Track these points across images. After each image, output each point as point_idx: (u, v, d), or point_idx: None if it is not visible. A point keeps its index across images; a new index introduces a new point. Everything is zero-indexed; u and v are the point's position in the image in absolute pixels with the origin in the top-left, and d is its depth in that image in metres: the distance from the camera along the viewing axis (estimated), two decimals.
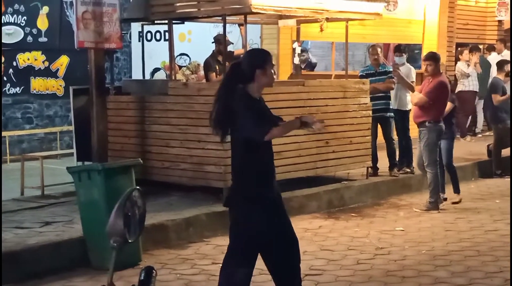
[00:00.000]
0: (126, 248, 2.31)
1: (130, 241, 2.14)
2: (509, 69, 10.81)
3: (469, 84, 12.41)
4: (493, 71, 13.16)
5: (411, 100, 8.21)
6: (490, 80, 13.17)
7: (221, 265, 4.23)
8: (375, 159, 8.85)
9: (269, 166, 4.14)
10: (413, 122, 8.13)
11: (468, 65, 12.56)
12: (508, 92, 10.22)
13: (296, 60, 9.57)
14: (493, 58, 13.43)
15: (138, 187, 2.29)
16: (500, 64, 10.76)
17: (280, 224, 4.12)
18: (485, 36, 14.27)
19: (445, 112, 7.99)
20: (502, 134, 10.09)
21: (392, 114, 9.02)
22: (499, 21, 14.34)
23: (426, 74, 7.94)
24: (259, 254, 4.12)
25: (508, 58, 12.19)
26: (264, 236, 4.05)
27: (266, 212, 4.03)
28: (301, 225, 6.91)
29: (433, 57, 7.81)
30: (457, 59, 12.85)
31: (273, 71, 4.19)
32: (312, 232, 6.85)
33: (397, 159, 9.08)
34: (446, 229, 7.05)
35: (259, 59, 4.10)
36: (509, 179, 9.93)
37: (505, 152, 10.37)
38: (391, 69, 9.02)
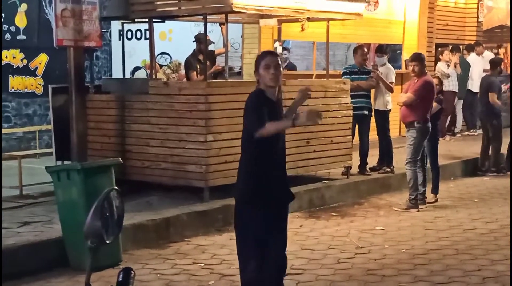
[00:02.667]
0: (106, 249, 2.29)
1: (107, 242, 2.12)
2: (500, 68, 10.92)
3: (449, 85, 12.50)
4: (473, 72, 13.26)
5: (399, 100, 8.23)
6: (469, 80, 13.33)
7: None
8: None
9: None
10: (402, 122, 8.19)
11: (448, 66, 12.65)
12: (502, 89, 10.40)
13: None
14: (472, 59, 13.54)
15: (116, 187, 2.27)
16: (494, 63, 10.81)
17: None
18: (464, 37, 14.39)
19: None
20: (498, 129, 10.18)
21: (371, 112, 9.09)
22: (478, 22, 14.47)
23: (412, 74, 8.04)
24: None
25: (489, 59, 12.28)
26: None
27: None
28: None
29: (418, 58, 7.97)
30: (437, 60, 12.94)
31: (270, 70, 4.00)
32: (293, 232, 6.84)
33: (369, 158, 9.12)
34: (426, 228, 7.09)
35: (255, 65, 4.12)
36: (488, 178, 10.06)
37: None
38: (371, 69, 9.10)
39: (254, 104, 4.01)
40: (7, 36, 11.59)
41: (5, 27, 11.54)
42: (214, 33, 10.59)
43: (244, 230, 4.03)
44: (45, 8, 11.71)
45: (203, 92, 7.28)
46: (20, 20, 11.73)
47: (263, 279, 4.07)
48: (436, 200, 8.31)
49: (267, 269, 4.08)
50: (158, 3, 7.76)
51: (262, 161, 4.03)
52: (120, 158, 6.25)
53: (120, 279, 2.14)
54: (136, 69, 11.78)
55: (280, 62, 4.05)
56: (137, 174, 7.74)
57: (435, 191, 8.38)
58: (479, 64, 13.37)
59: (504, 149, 10.47)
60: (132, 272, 2.16)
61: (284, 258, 4.17)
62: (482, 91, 10.44)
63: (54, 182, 5.71)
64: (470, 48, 13.77)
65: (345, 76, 9.01)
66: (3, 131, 11.21)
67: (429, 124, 7.86)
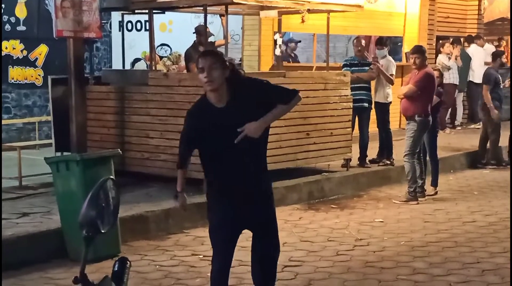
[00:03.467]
0: (105, 240, 2.28)
1: (103, 231, 2.12)
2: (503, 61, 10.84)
3: (450, 77, 12.48)
4: (474, 63, 13.22)
5: (400, 91, 8.22)
6: (470, 71, 13.31)
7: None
8: None
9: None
10: (403, 115, 8.17)
11: (449, 58, 12.62)
12: (503, 83, 10.32)
13: (278, 51, 9.56)
14: (472, 51, 13.51)
15: (112, 177, 2.26)
16: (495, 55, 10.80)
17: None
18: (465, 29, 14.35)
19: None
20: (495, 121, 10.17)
21: (371, 105, 9.08)
22: (479, 14, 14.43)
23: (413, 67, 8.03)
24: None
25: (490, 52, 12.23)
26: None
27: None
28: (281, 216, 6.86)
29: (419, 50, 7.98)
30: (437, 52, 12.91)
31: (203, 74, 3.58)
32: (292, 224, 6.85)
33: (368, 150, 9.09)
34: (425, 220, 7.09)
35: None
36: (487, 171, 10.05)
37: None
38: (371, 61, 9.10)
39: (185, 129, 3.77)
40: (7, 27, 11.58)
41: (5, 17, 11.52)
42: (214, 24, 10.57)
43: (214, 225, 3.86)
44: None
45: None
46: (20, 11, 11.72)
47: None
48: (436, 193, 8.30)
49: (252, 269, 3.98)
50: None
51: (211, 171, 3.82)
52: (119, 150, 6.24)
53: (116, 269, 2.14)
54: (136, 60, 11.76)
55: (217, 61, 3.60)
56: (136, 165, 7.74)
57: (434, 183, 8.38)
58: (479, 55, 13.32)
59: (503, 142, 10.46)
60: (127, 262, 2.16)
61: (270, 258, 3.96)
62: (482, 82, 10.45)
63: (53, 173, 5.71)
64: (470, 40, 13.72)
65: (345, 68, 9.00)
66: (3, 122, 11.21)
67: (430, 118, 7.84)
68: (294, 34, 13.00)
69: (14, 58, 11.69)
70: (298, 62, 12.57)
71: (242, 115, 3.64)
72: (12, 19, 11.61)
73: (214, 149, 3.72)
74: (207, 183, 3.96)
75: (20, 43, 11.70)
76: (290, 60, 12.19)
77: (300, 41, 11.49)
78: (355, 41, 9.33)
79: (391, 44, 12.00)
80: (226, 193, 3.81)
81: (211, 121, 3.65)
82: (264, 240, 3.95)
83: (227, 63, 3.65)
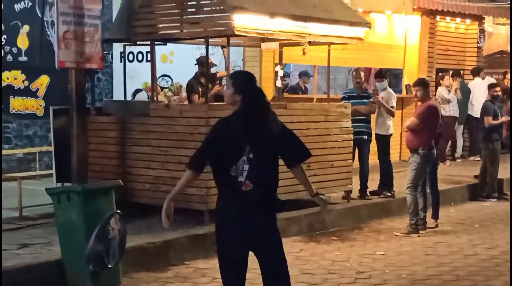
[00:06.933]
0: (106, 271, 2.26)
1: (109, 266, 2.11)
2: (495, 93, 10.80)
3: (450, 109, 12.52)
4: (475, 98, 13.15)
5: (405, 124, 8.23)
6: (470, 105, 13.32)
7: None
8: None
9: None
10: (407, 147, 8.16)
11: (449, 91, 12.67)
12: (502, 117, 10.35)
13: (278, 83, 9.60)
14: (474, 84, 13.50)
15: (118, 211, 2.26)
16: (489, 87, 10.88)
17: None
18: (464, 62, 14.45)
19: None
20: (494, 153, 10.18)
21: (371, 137, 9.09)
22: (478, 47, 14.53)
23: (416, 99, 8.06)
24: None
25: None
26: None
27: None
28: None
29: (422, 83, 8.02)
30: (437, 84, 12.97)
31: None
32: (293, 256, 6.80)
33: (367, 182, 9.07)
34: (426, 253, 7.06)
35: None
36: (488, 204, 10.02)
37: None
38: (371, 93, 9.14)
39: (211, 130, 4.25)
40: (9, 57, 11.65)
41: (7, 48, 11.60)
42: (216, 55, 10.63)
43: (220, 252, 4.06)
44: (47, 29, 11.78)
45: (204, 115, 7.28)
46: (22, 42, 11.81)
47: None
48: (437, 225, 8.27)
49: None
50: (160, 25, 7.80)
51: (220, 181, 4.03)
52: (120, 180, 6.22)
53: None
54: (137, 91, 11.79)
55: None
56: (137, 196, 7.72)
57: (435, 216, 8.35)
58: (482, 88, 13.29)
59: (503, 175, 10.44)
60: None
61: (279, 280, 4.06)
62: (480, 115, 10.49)
63: (54, 204, 5.68)
64: (476, 72, 13.68)
65: (344, 101, 9.03)
66: (4, 152, 11.21)
67: (434, 151, 7.85)
68: (295, 66, 13.08)
69: (16, 88, 11.74)
70: (307, 94, 12.69)
71: None
72: (14, 50, 11.69)
73: None
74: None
75: (21, 73, 11.77)
76: (300, 92, 12.39)
77: (312, 76, 11.67)
78: (354, 73, 9.41)
79: (391, 76, 12.07)
80: (236, 202, 4.08)
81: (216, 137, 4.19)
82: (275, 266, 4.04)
83: None
